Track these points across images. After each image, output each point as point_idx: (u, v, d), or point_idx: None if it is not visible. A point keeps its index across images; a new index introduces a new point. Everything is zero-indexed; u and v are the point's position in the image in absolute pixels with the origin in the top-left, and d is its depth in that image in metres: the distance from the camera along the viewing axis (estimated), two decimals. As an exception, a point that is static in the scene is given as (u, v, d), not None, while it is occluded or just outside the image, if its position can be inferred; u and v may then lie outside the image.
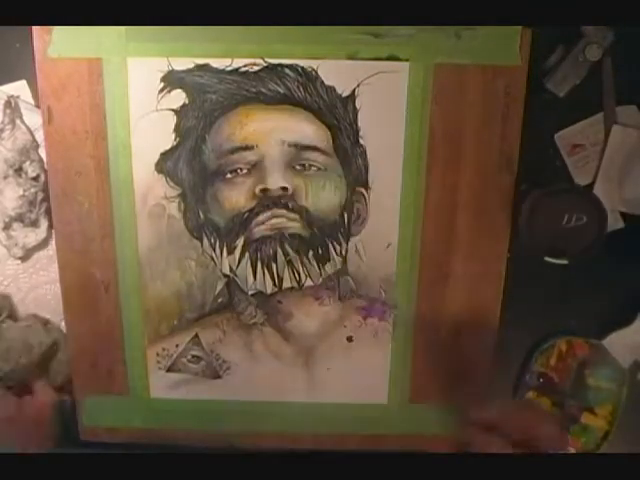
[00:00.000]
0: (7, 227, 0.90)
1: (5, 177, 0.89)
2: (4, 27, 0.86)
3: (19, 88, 0.89)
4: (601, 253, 0.85)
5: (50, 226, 0.91)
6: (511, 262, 0.91)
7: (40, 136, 0.89)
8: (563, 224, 0.84)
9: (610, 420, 0.96)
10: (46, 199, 0.90)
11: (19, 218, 0.90)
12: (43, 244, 0.93)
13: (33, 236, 0.91)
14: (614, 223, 0.90)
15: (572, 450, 0.97)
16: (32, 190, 0.89)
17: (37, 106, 0.89)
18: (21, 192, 0.89)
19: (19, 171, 0.89)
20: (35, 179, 0.89)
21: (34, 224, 0.91)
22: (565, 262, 0.85)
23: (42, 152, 0.90)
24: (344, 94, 0.85)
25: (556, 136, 0.89)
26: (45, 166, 0.89)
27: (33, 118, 0.89)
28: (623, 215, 0.91)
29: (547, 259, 0.85)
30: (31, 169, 0.89)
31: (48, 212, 0.91)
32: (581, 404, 0.97)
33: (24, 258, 0.93)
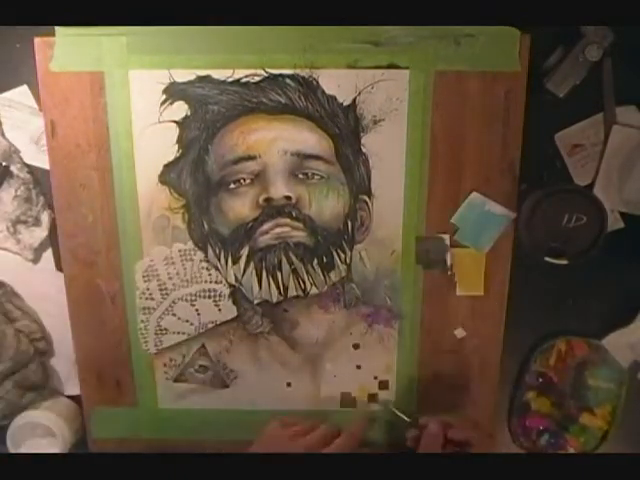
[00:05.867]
0: (14, 232, 0.91)
1: (-2, 184, 0.90)
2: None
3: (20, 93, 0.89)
4: (601, 253, 0.86)
5: (52, 220, 0.91)
6: (511, 263, 0.92)
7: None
8: (563, 224, 0.85)
9: (609, 420, 0.97)
10: (42, 193, 0.90)
11: (21, 219, 0.90)
12: (47, 241, 0.93)
13: (38, 233, 0.91)
14: (614, 223, 0.91)
15: (571, 450, 0.98)
16: (22, 188, 0.89)
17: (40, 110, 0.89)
18: (13, 192, 0.89)
19: (7, 174, 0.89)
20: (23, 177, 0.89)
21: (36, 222, 0.91)
22: (565, 262, 0.86)
23: (23, 155, 0.90)
24: (345, 103, 0.86)
25: (556, 136, 0.89)
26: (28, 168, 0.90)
27: (37, 122, 0.89)
28: (623, 215, 0.91)
29: (547, 259, 0.86)
30: (17, 169, 0.89)
31: (47, 206, 0.91)
32: (580, 404, 0.97)
33: (35, 260, 0.93)
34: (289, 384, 0.96)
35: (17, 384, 0.93)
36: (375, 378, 0.96)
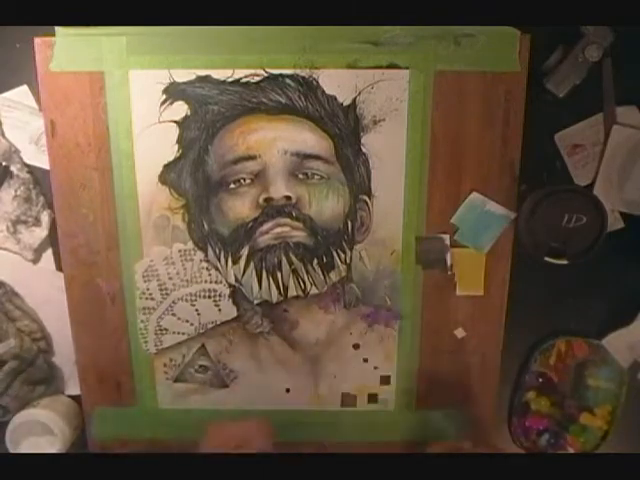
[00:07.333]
0: (14, 232, 0.91)
1: (-1, 184, 0.90)
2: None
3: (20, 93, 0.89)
4: (601, 253, 0.86)
5: (52, 220, 0.91)
6: (511, 263, 0.92)
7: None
8: (563, 224, 0.85)
9: (609, 420, 0.97)
10: (42, 193, 0.91)
11: (21, 219, 0.90)
12: (47, 241, 0.93)
13: (38, 233, 0.91)
14: (614, 223, 0.91)
15: (571, 450, 0.98)
16: (22, 188, 0.89)
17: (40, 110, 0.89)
18: (13, 192, 0.89)
19: (7, 174, 0.89)
20: (23, 177, 0.89)
21: (36, 222, 0.91)
22: (565, 262, 0.86)
23: (23, 155, 0.90)
24: (345, 103, 0.86)
25: (556, 136, 0.89)
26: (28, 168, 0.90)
27: (37, 122, 0.89)
28: (623, 215, 0.91)
29: (547, 259, 0.86)
30: (17, 169, 0.89)
31: (47, 206, 0.91)
32: (580, 404, 0.97)
33: (35, 260, 0.94)
34: (289, 384, 0.96)
35: (26, 381, 0.94)
36: (375, 378, 0.96)
